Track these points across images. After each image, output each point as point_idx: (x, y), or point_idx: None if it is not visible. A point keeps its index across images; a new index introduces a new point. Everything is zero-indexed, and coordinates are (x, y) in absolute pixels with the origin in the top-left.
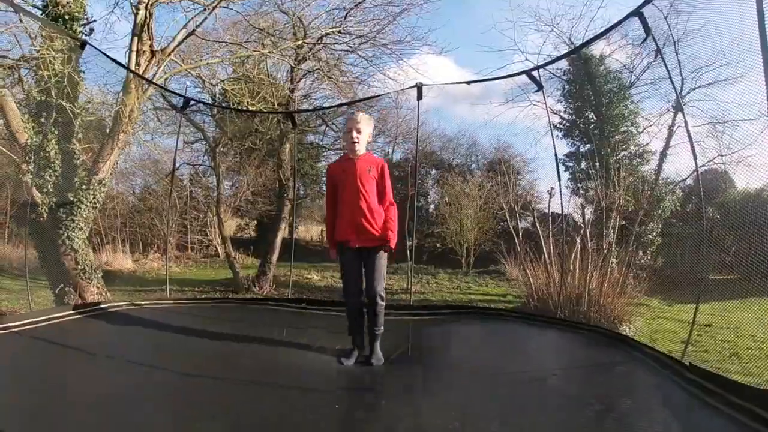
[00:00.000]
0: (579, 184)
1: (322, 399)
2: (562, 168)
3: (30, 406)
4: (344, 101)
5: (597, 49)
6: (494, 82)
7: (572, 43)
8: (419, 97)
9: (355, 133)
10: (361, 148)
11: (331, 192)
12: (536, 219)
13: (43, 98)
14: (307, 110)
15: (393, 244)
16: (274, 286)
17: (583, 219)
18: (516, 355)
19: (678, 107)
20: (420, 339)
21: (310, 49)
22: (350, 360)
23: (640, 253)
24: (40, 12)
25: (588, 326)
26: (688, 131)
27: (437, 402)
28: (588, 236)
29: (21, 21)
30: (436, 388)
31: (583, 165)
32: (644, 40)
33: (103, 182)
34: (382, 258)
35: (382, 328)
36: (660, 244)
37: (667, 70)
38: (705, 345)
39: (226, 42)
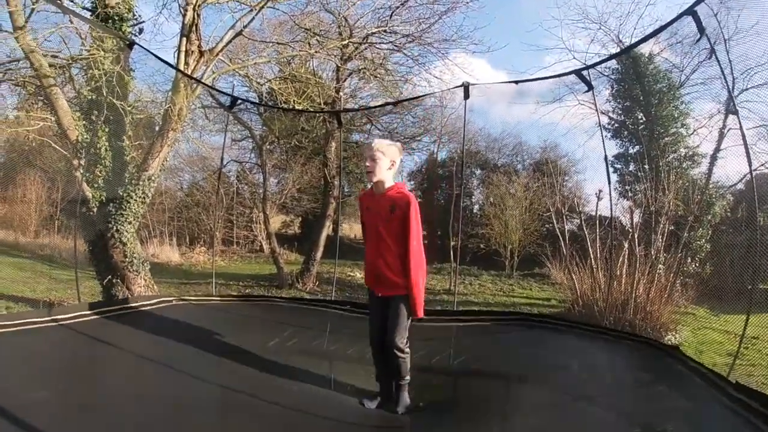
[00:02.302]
0: (627, 187)
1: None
2: (610, 170)
3: (75, 397)
4: (390, 100)
5: (646, 48)
6: (532, 83)
7: (620, 41)
8: (466, 96)
9: (369, 162)
10: (378, 177)
11: (362, 221)
12: (583, 222)
13: (93, 96)
14: (352, 109)
15: (418, 310)
16: (318, 282)
17: (632, 223)
18: (562, 369)
19: (729, 108)
20: (461, 350)
21: (356, 48)
22: (372, 403)
23: (689, 259)
24: (90, 13)
25: (635, 337)
26: (742, 133)
27: (472, 410)
28: (636, 241)
29: (71, 22)
30: (472, 394)
31: (631, 167)
32: (698, 39)
33: (152, 178)
34: (402, 307)
35: (408, 377)
36: (709, 251)
37: (721, 70)
38: (751, 359)
39: (272, 42)
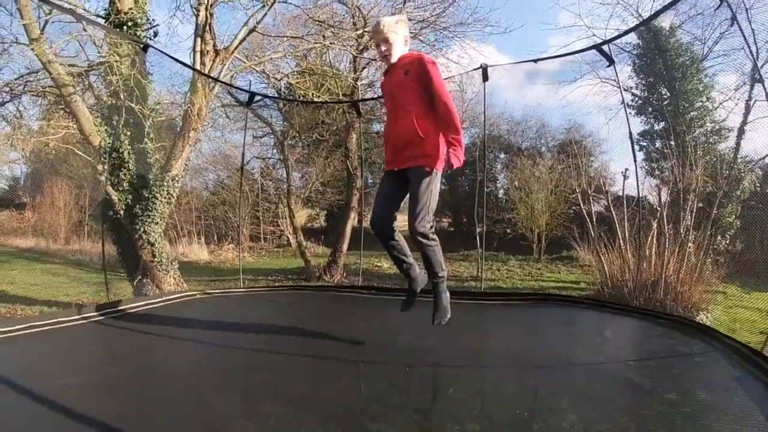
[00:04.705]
0: (654, 165)
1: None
2: (635, 148)
3: (104, 382)
4: None
5: (666, 21)
6: (552, 63)
7: (640, 15)
8: (485, 78)
9: (383, 47)
10: (395, 57)
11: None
12: (610, 202)
13: (113, 102)
14: (371, 99)
15: (458, 160)
16: (345, 274)
17: (659, 201)
18: (590, 345)
19: (756, 79)
20: (488, 328)
21: (371, 38)
22: (407, 305)
23: (718, 237)
24: (104, 20)
25: (666, 315)
26: None
27: (505, 392)
28: (665, 220)
29: (85, 30)
30: (504, 377)
31: (657, 144)
32: (718, 6)
33: (176, 178)
34: (424, 183)
35: (443, 272)
36: (739, 228)
37: (744, 39)
38: None
39: (287, 36)
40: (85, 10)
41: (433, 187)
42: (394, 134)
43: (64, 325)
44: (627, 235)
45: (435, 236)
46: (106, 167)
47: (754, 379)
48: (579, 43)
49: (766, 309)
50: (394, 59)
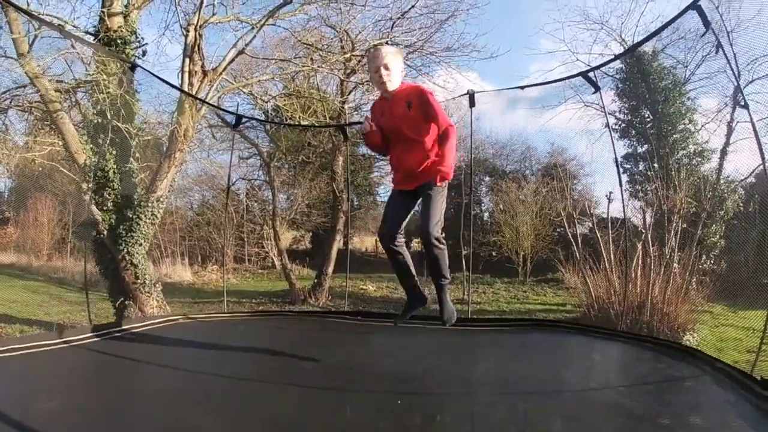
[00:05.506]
0: (638, 187)
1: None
2: (620, 170)
3: (83, 409)
4: None
5: (648, 45)
6: (536, 88)
7: (623, 40)
8: (472, 104)
9: (383, 71)
10: (394, 86)
11: (379, 127)
12: (595, 224)
13: (99, 120)
14: (358, 123)
15: (446, 171)
16: (330, 297)
17: (644, 223)
18: (579, 370)
19: (737, 101)
20: (476, 354)
21: (359, 62)
22: (401, 319)
23: (703, 257)
24: (92, 38)
25: (653, 339)
26: (753, 125)
27: (496, 418)
28: (650, 241)
29: (73, 47)
30: (494, 403)
31: (641, 166)
32: (704, 33)
33: (161, 199)
34: (437, 196)
35: (449, 276)
36: (723, 247)
37: (728, 63)
38: None
39: (275, 59)
40: (74, 26)
41: (443, 197)
42: (406, 164)
43: (44, 348)
44: (612, 257)
45: (444, 242)
46: (90, 186)
47: (745, 402)
48: (561, 68)
49: (753, 327)
50: (391, 87)
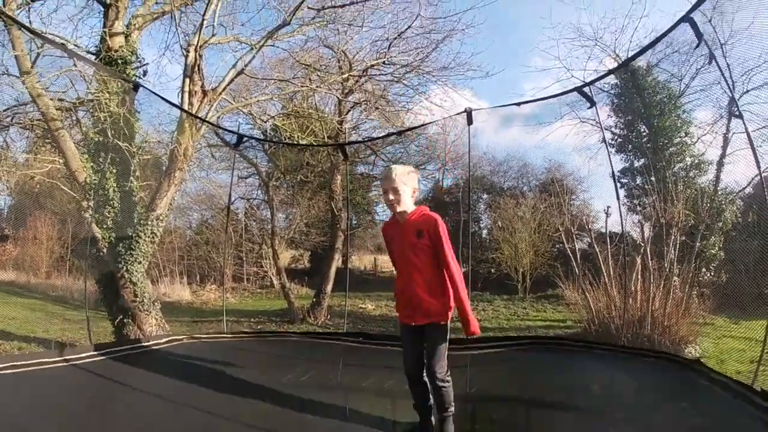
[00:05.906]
0: (636, 201)
1: None
2: (617, 185)
3: None
4: (393, 131)
5: (642, 60)
6: (530, 105)
7: (617, 55)
8: (469, 122)
9: (391, 195)
10: (404, 207)
11: (390, 251)
12: (593, 239)
13: (100, 139)
14: (356, 142)
15: (473, 327)
16: (329, 316)
17: (643, 237)
18: (582, 392)
19: (733, 113)
20: (480, 377)
21: (356, 82)
22: None
23: (703, 269)
24: (94, 57)
25: (655, 353)
26: (748, 135)
27: None
28: (648, 255)
29: (75, 65)
30: (503, 422)
31: (638, 180)
32: (697, 45)
33: (161, 218)
34: (439, 336)
35: (452, 408)
36: (723, 259)
37: (722, 75)
38: None
39: (274, 79)
40: (76, 45)
41: (446, 337)
42: (407, 293)
43: (46, 366)
44: (611, 271)
45: (449, 378)
46: (90, 204)
47: (745, 413)
48: (556, 86)
49: (755, 338)
50: (400, 209)
